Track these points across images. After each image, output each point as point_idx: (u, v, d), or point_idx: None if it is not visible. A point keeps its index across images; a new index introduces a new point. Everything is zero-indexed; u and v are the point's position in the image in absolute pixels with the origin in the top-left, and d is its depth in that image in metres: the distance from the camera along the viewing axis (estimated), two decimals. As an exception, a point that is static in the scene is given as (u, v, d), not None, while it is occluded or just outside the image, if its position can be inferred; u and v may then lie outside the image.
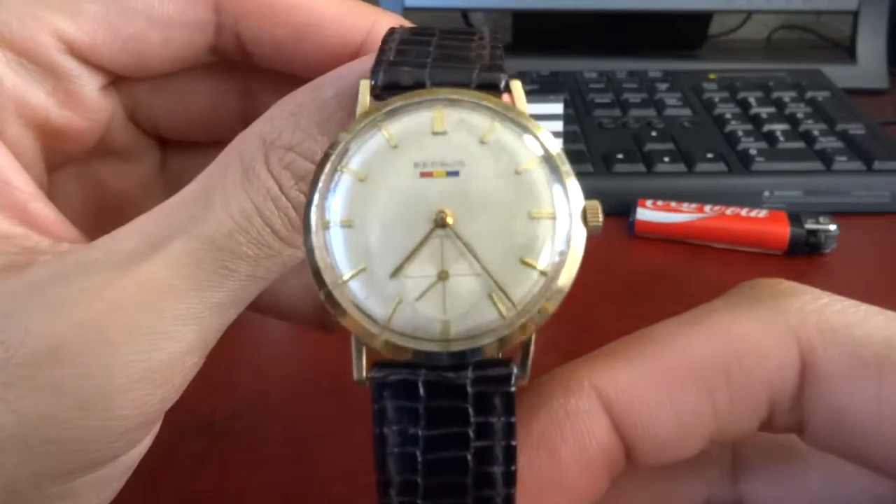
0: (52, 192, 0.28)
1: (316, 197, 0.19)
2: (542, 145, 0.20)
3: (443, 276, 0.19)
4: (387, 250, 0.19)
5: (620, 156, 0.61)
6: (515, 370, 0.19)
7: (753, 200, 0.58)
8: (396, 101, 0.20)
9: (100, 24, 0.26)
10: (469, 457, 0.19)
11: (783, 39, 0.96)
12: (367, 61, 0.22)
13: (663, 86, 0.73)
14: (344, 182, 0.19)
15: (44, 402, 0.21)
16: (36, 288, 0.21)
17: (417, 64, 0.21)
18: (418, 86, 0.20)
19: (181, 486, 0.34)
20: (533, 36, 0.89)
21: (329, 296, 0.19)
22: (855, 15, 0.83)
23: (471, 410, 0.19)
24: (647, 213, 0.55)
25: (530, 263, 0.19)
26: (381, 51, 0.21)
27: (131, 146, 0.30)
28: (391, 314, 0.18)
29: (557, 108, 0.59)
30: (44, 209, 0.24)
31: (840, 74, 0.78)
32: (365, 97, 0.20)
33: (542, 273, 0.19)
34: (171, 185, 0.32)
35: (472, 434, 0.19)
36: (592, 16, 0.84)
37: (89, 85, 0.27)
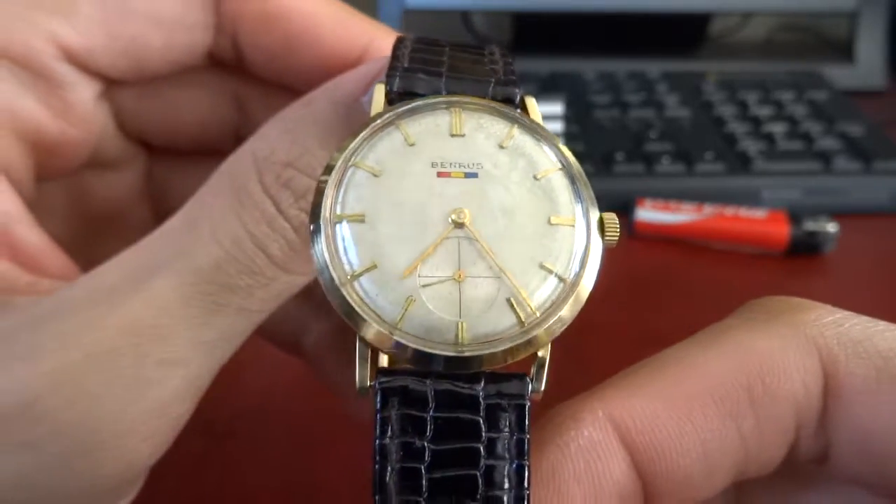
0: (37, 202, 0.26)
1: (328, 190, 0.18)
2: (562, 155, 0.20)
3: (458, 277, 0.18)
4: (400, 248, 0.18)
5: (620, 156, 0.61)
6: (530, 383, 0.18)
7: (752, 200, 0.58)
8: (413, 102, 0.20)
9: (98, 26, 0.24)
10: (479, 476, 0.17)
11: (782, 40, 0.96)
12: (360, 73, 0.22)
13: (663, 86, 0.73)
14: (357, 177, 0.19)
15: (18, 463, 0.19)
16: (8, 336, 0.19)
17: (433, 73, 0.21)
18: (435, 95, 0.20)
19: (181, 487, 0.34)
20: (533, 36, 0.89)
21: (336, 292, 0.18)
22: (854, 16, 0.83)
23: (483, 424, 0.17)
24: (647, 213, 0.55)
25: (550, 269, 0.18)
26: (395, 57, 0.21)
27: (120, 155, 0.28)
28: (402, 314, 0.17)
29: (557, 108, 0.59)
30: (28, 234, 0.23)
31: (839, 75, 0.78)
32: (380, 100, 0.20)
33: (561, 279, 0.18)
34: (156, 193, 0.30)
35: (482, 451, 0.17)
36: (592, 16, 0.83)
37: (85, 93, 0.25)
